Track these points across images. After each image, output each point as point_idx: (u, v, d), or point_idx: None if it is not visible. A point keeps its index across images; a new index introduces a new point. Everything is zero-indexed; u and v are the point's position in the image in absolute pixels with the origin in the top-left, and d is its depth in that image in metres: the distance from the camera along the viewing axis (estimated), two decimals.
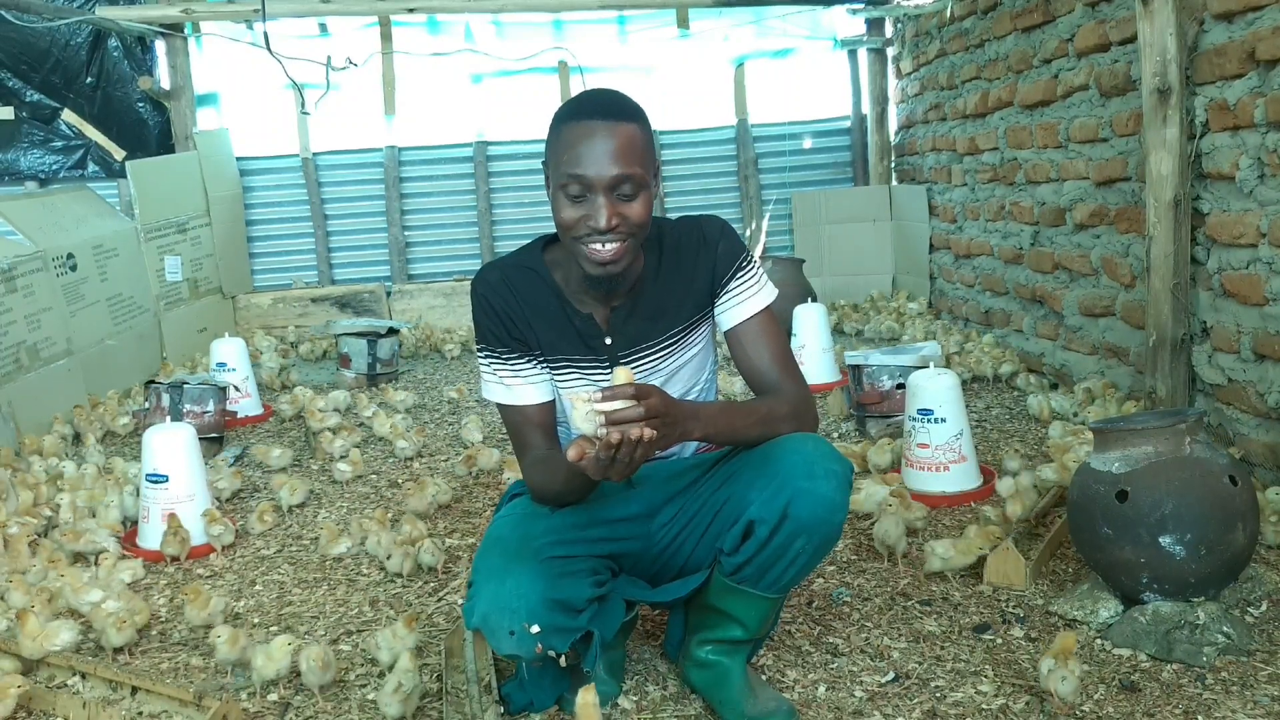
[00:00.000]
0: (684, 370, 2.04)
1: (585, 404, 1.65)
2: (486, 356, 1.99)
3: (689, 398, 2.05)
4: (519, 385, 1.97)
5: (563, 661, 1.88)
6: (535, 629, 1.79)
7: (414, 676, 2.05)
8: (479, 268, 2.05)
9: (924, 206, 6.09)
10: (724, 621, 2.00)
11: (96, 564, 2.84)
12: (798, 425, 1.93)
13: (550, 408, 2.01)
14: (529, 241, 2.05)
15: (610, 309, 1.97)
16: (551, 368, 1.99)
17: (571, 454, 1.64)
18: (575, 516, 1.95)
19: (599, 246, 1.81)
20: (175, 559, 2.96)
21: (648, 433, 1.62)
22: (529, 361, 1.97)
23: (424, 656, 2.27)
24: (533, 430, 1.98)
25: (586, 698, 1.74)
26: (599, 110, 1.82)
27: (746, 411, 1.92)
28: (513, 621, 1.79)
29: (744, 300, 2.00)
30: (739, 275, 2.00)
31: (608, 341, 1.97)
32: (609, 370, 1.96)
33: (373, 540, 2.91)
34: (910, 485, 3.20)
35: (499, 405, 2.01)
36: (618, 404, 1.64)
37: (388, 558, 2.83)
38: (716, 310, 2.03)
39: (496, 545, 1.89)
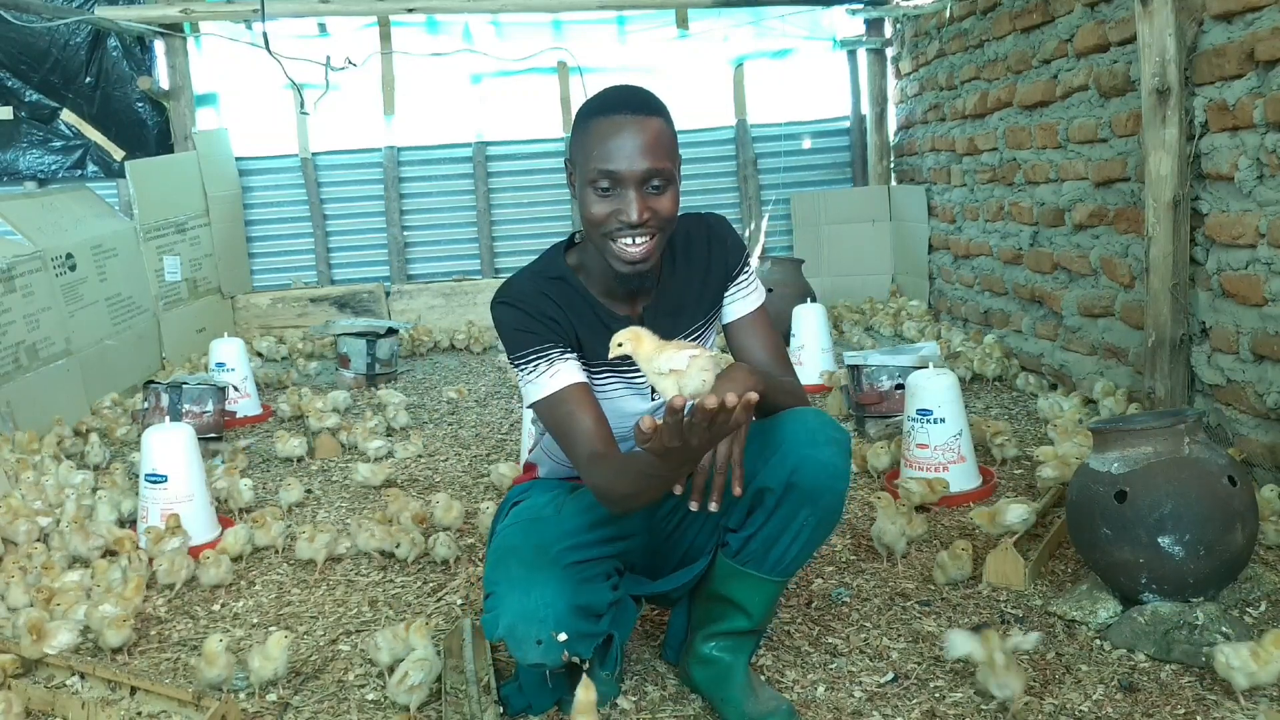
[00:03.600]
0: None
1: (698, 356, 1.59)
2: (525, 360, 1.90)
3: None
4: (563, 371, 1.88)
5: (585, 666, 1.89)
6: (563, 637, 1.80)
7: (428, 665, 2.07)
8: (501, 284, 1.98)
9: (923, 207, 6.09)
10: (728, 611, 2.01)
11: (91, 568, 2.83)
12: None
13: (591, 389, 1.93)
14: (545, 250, 2.04)
15: (641, 308, 1.99)
16: (592, 373, 1.96)
17: (645, 424, 1.53)
18: (584, 517, 1.94)
19: (629, 242, 1.81)
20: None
21: (732, 398, 1.49)
22: (572, 353, 1.92)
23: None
24: (584, 415, 1.86)
25: (586, 695, 1.75)
26: (627, 105, 1.83)
27: (780, 385, 1.96)
28: (540, 631, 1.80)
29: (748, 295, 2.07)
30: (745, 270, 2.07)
31: None
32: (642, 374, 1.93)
33: (366, 536, 2.91)
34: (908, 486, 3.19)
35: (545, 403, 1.88)
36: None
37: (396, 546, 2.86)
38: (724, 303, 2.07)
39: (513, 556, 1.88)
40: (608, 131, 1.80)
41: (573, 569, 1.84)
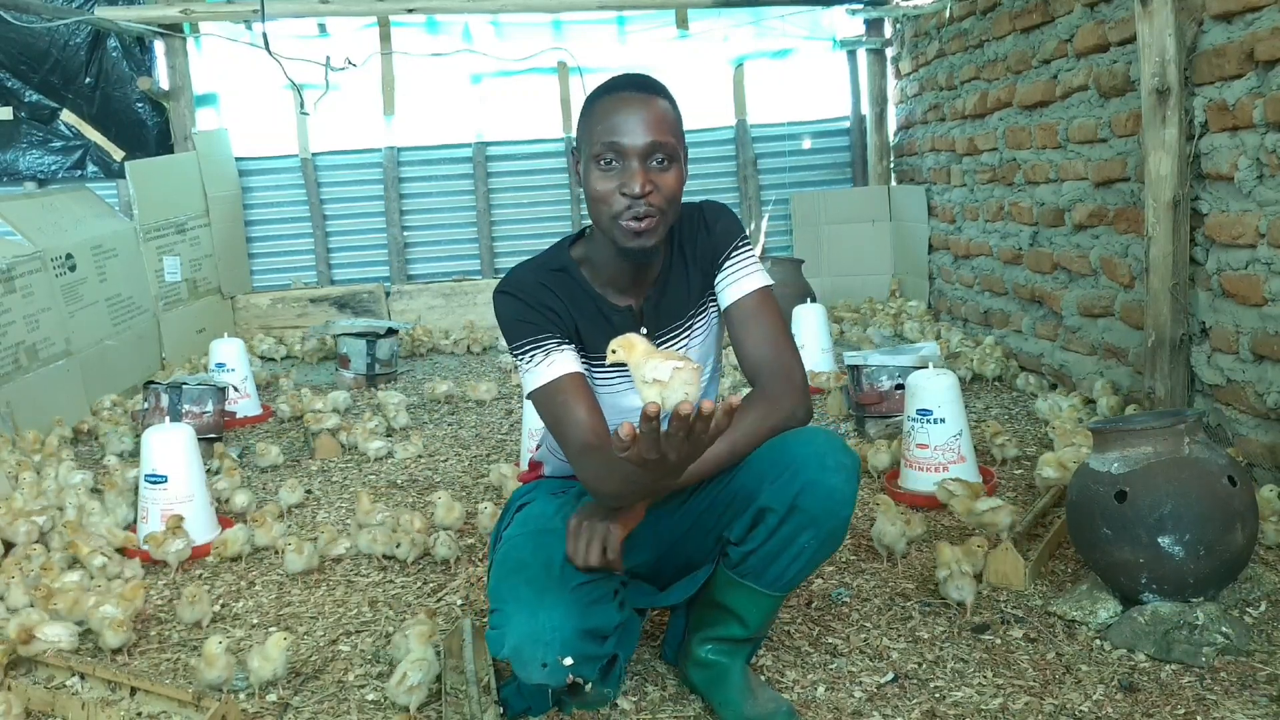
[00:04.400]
0: (692, 353, 2.03)
1: (682, 369, 1.53)
2: (523, 350, 1.91)
3: None
4: (559, 361, 1.89)
5: (589, 689, 1.88)
6: (569, 661, 1.78)
7: (427, 665, 2.07)
8: (507, 271, 1.98)
9: (923, 207, 6.09)
10: (725, 618, 2.00)
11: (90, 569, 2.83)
12: (791, 412, 1.92)
13: (587, 380, 1.93)
14: (551, 245, 2.04)
15: (643, 299, 1.98)
16: (592, 366, 1.96)
17: (624, 430, 1.47)
18: None
19: (633, 218, 1.81)
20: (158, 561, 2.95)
21: (709, 405, 1.44)
22: (569, 344, 1.93)
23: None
24: (577, 406, 1.85)
25: None
26: (632, 85, 1.85)
27: (746, 429, 1.89)
28: (546, 654, 1.78)
29: (741, 278, 2.00)
30: (735, 254, 2.01)
31: (643, 331, 1.98)
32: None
33: (368, 539, 2.91)
34: (909, 486, 3.20)
35: (541, 392, 1.89)
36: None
37: (396, 546, 2.86)
38: (716, 289, 2.02)
39: (520, 573, 1.86)
40: (611, 108, 1.82)
41: (581, 590, 1.82)
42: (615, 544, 1.82)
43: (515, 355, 1.93)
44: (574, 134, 6.87)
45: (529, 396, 1.92)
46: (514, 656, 1.81)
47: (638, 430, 1.46)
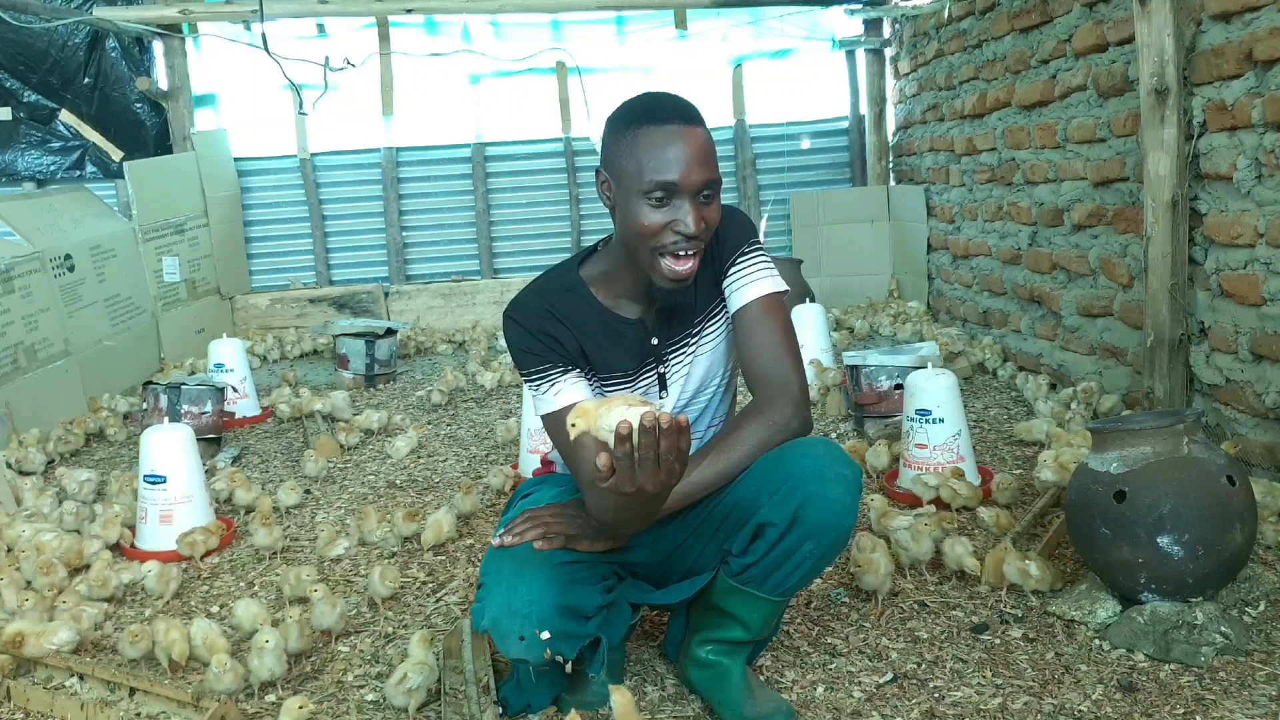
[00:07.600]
0: (700, 360, 2.04)
1: (628, 406, 1.52)
2: (529, 378, 1.93)
3: (703, 397, 2.07)
4: (565, 390, 1.90)
5: (569, 668, 1.88)
6: (545, 635, 1.79)
7: (426, 668, 2.07)
8: (513, 297, 1.99)
9: (922, 207, 6.09)
10: (726, 622, 2.00)
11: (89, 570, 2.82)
12: (786, 423, 1.91)
13: None
14: (561, 261, 2.04)
15: (655, 310, 1.98)
16: (604, 384, 1.97)
17: (601, 461, 1.53)
18: None
19: (679, 255, 1.81)
20: (189, 559, 2.94)
21: (665, 417, 1.48)
22: (575, 371, 1.93)
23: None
24: (585, 436, 1.88)
25: (623, 698, 1.75)
26: (678, 115, 1.81)
27: (728, 461, 1.89)
28: (523, 627, 1.79)
29: (746, 284, 1.98)
30: (741, 259, 2.00)
31: (654, 342, 1.98)
32: (654, 375, 1.98)
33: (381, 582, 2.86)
34: (909, 486, 3.20)
35: (549, 420, 1.92)
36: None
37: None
38: (724, 294, 2.01)
39: (507, 550, 1.87)
40: (663, 141, 1.78)
41: (564, 568, 1.84)
42: (538, 546, 1.82)
43: (524, 380, 1.96)
44: (572, 133, 6.97)
45: (542, 419, 1.95)
46: (493, 628, 1.82)
47: (614, 458, 1.50)
